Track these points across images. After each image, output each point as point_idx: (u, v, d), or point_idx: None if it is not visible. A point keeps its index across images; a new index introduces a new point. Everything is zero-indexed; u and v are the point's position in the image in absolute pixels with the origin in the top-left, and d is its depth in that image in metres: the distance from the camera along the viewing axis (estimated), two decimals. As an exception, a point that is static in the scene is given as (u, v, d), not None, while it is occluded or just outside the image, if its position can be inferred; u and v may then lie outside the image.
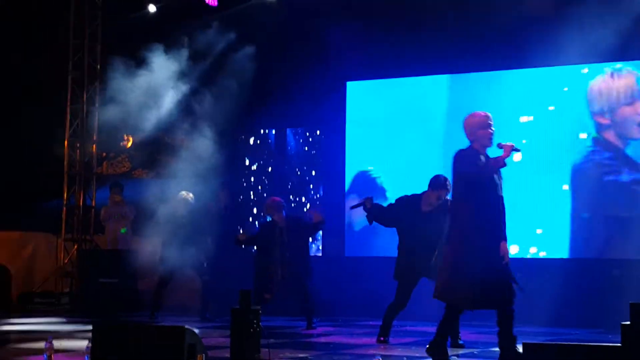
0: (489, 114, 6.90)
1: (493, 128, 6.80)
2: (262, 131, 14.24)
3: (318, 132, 13.84)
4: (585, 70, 11.50)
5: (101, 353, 5.58)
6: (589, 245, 11.29)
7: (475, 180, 6.64)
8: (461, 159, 6.74)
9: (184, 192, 11.17)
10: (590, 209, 11.32)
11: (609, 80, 11.36)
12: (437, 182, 8.34)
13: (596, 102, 11.39)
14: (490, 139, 6.76)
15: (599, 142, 11.34)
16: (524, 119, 11.79)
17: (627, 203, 11.05)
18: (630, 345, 4.28)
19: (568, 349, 4.50)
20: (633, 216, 10.98)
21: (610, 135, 11.24)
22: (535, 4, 11.13)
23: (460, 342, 8.19)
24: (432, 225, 8.06)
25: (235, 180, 13.96)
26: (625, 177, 11.15)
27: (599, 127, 11.35)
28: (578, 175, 11.38)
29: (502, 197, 6.76)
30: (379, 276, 9.49)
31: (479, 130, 6.77)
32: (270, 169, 14.05)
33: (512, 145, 6.62)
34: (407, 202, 8.54)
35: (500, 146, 6.69)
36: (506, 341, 6.66)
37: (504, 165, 6.65)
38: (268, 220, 10.67)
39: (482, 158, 6.74)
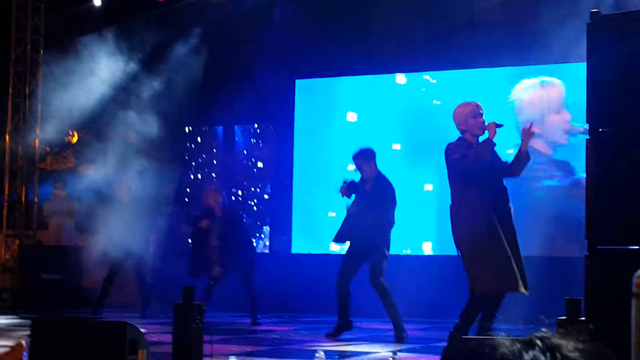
0: (480, 104, 6.89)
1: (484, 117, 6.78)
2: (204, 128, 14.21)
3: (265, 129, 13.85)
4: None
5: (40, 349, 5.52)
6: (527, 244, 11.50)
7: (472, 170, 6.60)
8: (452, 152, 6.70)
9: (124, 180, 11.10)
10: (527, 212, 11.57)
11: (539, 90, 11.73)
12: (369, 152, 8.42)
13: (525, 111, 11.70)
14: (481, 127, 6.74)
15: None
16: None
17: (562, 205, 11.32)
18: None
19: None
20: (567, 216, 11.23)
21: (538, 143, 11.54)
22: (480, 8, 11.31)
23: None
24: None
25: (183, 176, 13.91)
26: (555, 181, 11.47)
27: None
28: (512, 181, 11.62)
29: (501, 178, 6.75)
30: (325, 273, 9.54)
31: (469, 119, 6.76)
32: (216, 165, 14.03)
33: (495, 123, 6.62)
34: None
35: (484, 128, 6.70)
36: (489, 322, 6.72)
37: (494, 144, 6.64)
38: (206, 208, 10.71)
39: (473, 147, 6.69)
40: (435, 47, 11.90)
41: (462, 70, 12.16)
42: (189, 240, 10.95)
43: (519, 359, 0.84)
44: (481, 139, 6.76)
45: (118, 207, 10.88)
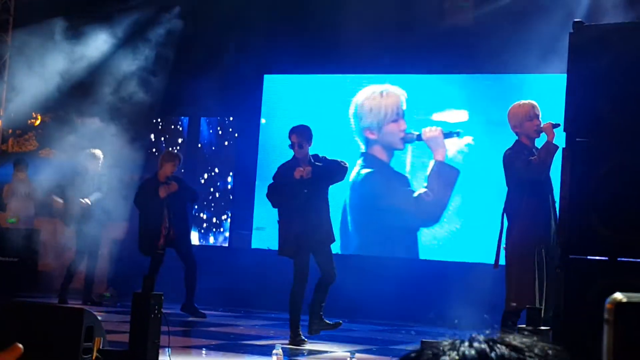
0: (536, 104, 6.44)
1: (540, 119, 6.35)
2: (169, 118, 14.10)
3: (231, 122, 13.78)
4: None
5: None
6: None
7: (533, 179, 6.17)
8: (514, 159, 6.24)
9: (90, 149, 10.95)
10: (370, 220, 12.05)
11: (379, 98, 12.17)
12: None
13: (366, 118, 12.20)
14: (537, 130, 6.28)
15: (367, 157, 12.18)
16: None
17: (401, 209, 11.75)
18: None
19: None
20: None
21: (377, 150, 12.12)
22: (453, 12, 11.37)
23: None
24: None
25: (146, 166, 13.79)
26: (393, 185, 11.89)
27: (368, 142, 12.19)
28: (354, 189, 12.12)
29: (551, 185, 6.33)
30: (284, 269, 9.50)
31: (525, 121, 6.31)
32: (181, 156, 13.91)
33: (551, 124, 6.18)
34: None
35: (540, 130, 6.27)
36: None
37: (557, 147, 6.00)
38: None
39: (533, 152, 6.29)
40: (407, 49, 11.92)
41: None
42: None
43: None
44: (537, 142, 6.39)
45: (87, 178, 10.75)
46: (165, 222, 9.98)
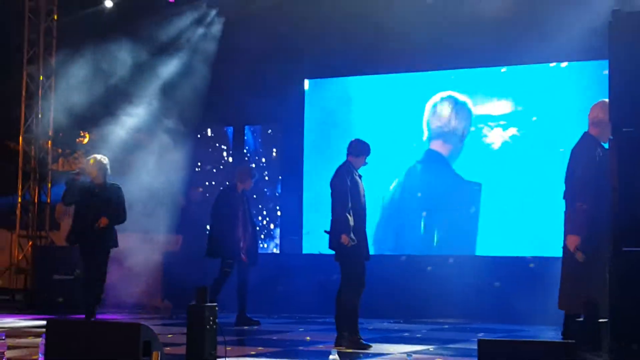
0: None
1: None
2: (208, 130, 14.21)
3: (275, 130, 13.84)
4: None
5: (56, 349, 5.52)
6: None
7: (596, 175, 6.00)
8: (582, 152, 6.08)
9: (95, 155, 9.80)
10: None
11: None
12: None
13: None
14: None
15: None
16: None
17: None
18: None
19: (524, 345, 4.56)
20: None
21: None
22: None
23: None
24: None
25: (194, 176, 13.92)
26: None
27: None
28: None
29: None
30: (336, 273, 9.50)
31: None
32: (226, 165, 14.02)
33: None
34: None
35: None
36: None
37: None
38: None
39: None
40: (450, 45, 11.84)
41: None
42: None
43: None
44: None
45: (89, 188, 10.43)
46: (241, 234, 10.15)
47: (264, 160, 13.94)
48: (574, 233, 6.05)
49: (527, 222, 11.43)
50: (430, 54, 12.04)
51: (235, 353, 7.09)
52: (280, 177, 13.67)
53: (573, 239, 6.05)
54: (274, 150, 13.85)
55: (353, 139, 8.31)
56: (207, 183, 14.09)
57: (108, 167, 9.50)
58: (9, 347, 6.25)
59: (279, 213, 13.60)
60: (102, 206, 9.31)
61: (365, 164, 8.15)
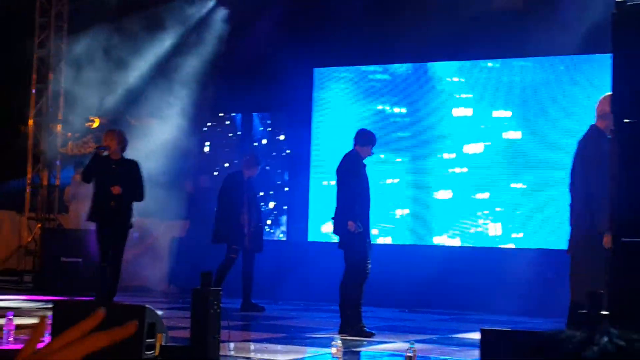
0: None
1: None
2: (222, 115, 14.23)
3: (283, 116, 13.87)
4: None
5: (61, 330, 5.58)
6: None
7: (600, 164, 5.87)
8: (591, 141, 6.03)
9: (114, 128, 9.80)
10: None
11: None
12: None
13: None
14: None
15: None
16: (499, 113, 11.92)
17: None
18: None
19: (527, 335, 4.57)
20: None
21: None
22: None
23: None
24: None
25: (202, 162, 13.97)
26: None
27: None
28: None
29: None
30: (341, 261, 9.55)
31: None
32: (234, 152, 14.05)
33: None
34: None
35: None
36: None
37: None
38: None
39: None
40: (457, 36, 11.82)
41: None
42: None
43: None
44: None
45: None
46: (246, 220, 10.17)
47: (270, 147, 13.96)
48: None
49: (543, 214, 11.36)
50: (438, 44, 12.02)
51: (239, 337, 7.14)
52: (287, 165, 13.70)
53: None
54: (282, 137, 13.87)
55: (360, 128, 8.36)
56: (215, 169, 14.13)
57: (127, 141, 9.09)
58: (17, 327, 6.32)
59: (285, 207, 13.64)
60: (118, 182, 8.80)
61: (371, 154, 8.19)
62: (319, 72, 13.25)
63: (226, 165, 14.06)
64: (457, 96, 12.19)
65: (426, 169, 12.29)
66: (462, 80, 12.25)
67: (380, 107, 12.66)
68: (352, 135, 8.29)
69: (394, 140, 12.29)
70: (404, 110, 12.59)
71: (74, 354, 0.85)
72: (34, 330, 0.90)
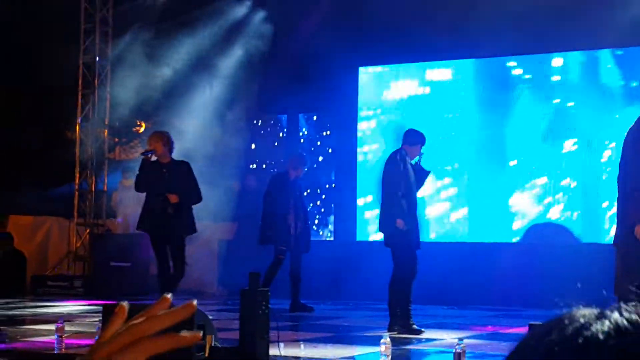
0: None
1: None
2: (268, 116, 14.26)
3: (329, 116, 13.85)
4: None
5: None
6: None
7: None
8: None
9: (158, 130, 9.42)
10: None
11: None
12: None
13: None
14: None
15: None
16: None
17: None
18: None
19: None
20: None
21: None
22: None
23: None
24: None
25: (249, 164, 14.01)
26: None
27: None
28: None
29: None
30: (389, 260, 9.51)
31: None
32: (280, 153, 14.07)
33: None
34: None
35: None
36: None
37: None
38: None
39: None
40: (499, 32, 11.68)
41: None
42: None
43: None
44: None
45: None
46: (292, 221, 10.16)
47: (316, 146, 13.95)
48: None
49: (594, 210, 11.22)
50: (482, 41, 11.89)
51: (288, 338, 7.13)
52: (333, 164, 13.68)
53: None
54: (328, 137, 13.86)
55: (409, 128, 8.32)
56: (263, 167, 14.15)
57: (173, 142, 8.58)
58: (67, 332, 6.38)
59: (332, 205, 13.62)
60: (171, 187, 8.34)
61: (421, 154, 8.12)
62: (365, 72, 13.21)
63: (272, 164, 14.08)
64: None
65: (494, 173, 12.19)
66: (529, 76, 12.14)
67: (426, 106, 12.58)
68: (398, 132, 8.25)
69: (439, 139, 12.19)
70: (452, 108, 12.50)
71: (142, 352, 0.83)
72: (154, 307, 0.88)
